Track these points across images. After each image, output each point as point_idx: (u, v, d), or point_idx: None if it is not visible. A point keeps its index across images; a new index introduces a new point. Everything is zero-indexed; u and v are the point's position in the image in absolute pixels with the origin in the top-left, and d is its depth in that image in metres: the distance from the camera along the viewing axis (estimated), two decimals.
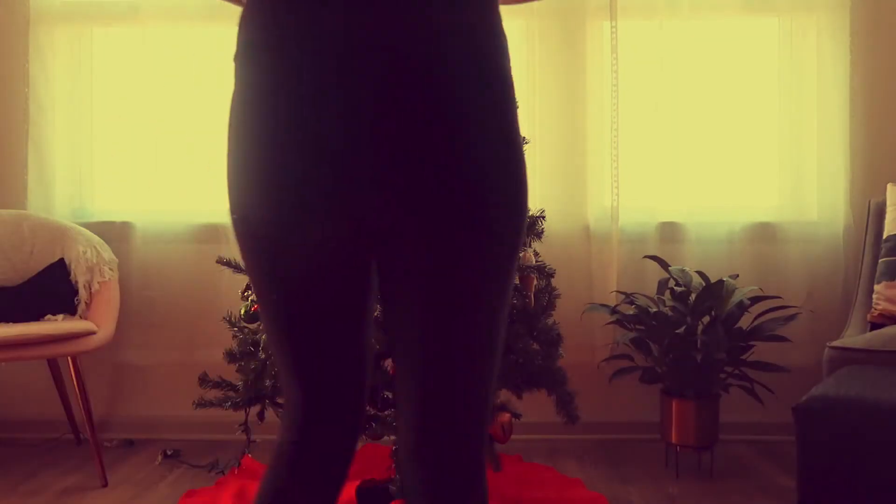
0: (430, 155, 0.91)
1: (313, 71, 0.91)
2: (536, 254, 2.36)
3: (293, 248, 0.98)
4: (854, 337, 2.33)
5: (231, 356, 2.35)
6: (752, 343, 2.63)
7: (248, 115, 0.96)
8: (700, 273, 2.65)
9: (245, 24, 0.99)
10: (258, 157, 0.94)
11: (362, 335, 1.12)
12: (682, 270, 2.73)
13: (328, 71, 0.91)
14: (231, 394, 2.32)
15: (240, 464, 2.59)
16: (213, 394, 2.36)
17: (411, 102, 0.90)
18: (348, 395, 1.14)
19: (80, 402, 2.63)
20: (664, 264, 2.77)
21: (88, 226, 3.02)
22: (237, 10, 1.03)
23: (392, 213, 0.95)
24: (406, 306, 1.03)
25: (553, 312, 2.35)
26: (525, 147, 2.39)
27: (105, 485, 2.56)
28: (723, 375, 2.65)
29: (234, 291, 2.57)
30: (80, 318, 2.76)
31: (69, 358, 2.60)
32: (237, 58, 0.99)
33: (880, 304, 2.50)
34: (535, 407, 2.47)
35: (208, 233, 3.08)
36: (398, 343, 1.07)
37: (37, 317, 2.72)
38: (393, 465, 2.31)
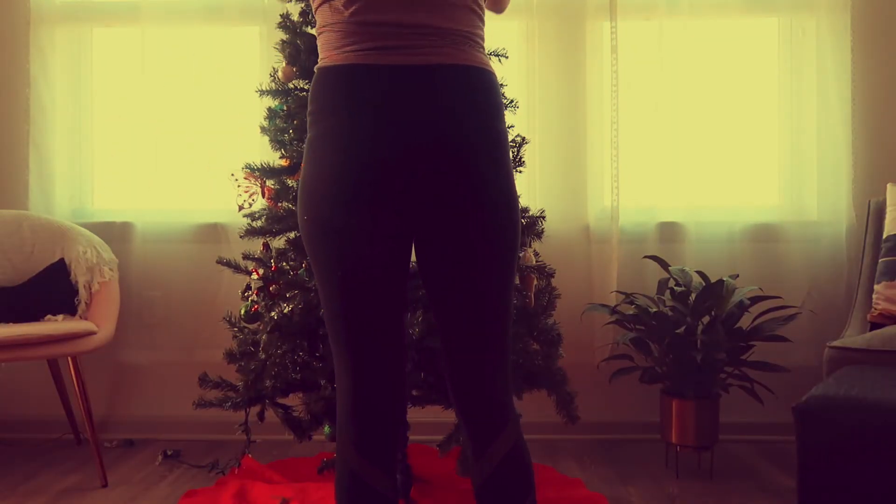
0: (447, 174, 1.37)
1: (360, 126, 1.36)
2: (536, 254, 2.36)
3: (354, 233, 1.38)
4: (854, 337, 2.33)
5: (231, 356, 2.35)
6: (752, 343, 2.63)
7: (319, 152, 1.39)
8: (700, 273, 2.65)
9: (313, 97, 1.43)
10: (328, 176, 1.38)
11: (402, 312, 1.49)
12: (682, 270, 2.73)
13: (369, 125, 1.36)
14: (231, 394, 2.32)
15: (240, 464, 2.59)
16: (213, 394, 2.36)
17: (433, 149, 1.36)
18: (392, 363, 1.47)
19: (80, 402, 2.63)
20: (664, 264, 2.77)
21: (88, 226, 3.03)
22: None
23: (422, 207, 1.39)
24: (438, 269, 1.45)
25: (553, 312, 2.35)
26: (525, 147, 2.40)
27: (105, 485, 2.56)
28: (723, 375, 2.65)
29: (234, 291, 2.57)
30: (81, 318, 2.76)
31: (69, 358, 2.60)
32: (310, 115, 1.43)
33: (880, 304, 2.50)
34: (535, 407, 2.47)
35: (208, 233, 3.08)
36: (435, 300, 1.47)
37: (37, 317, 2.72)
38: None
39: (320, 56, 1.45)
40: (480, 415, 1.47)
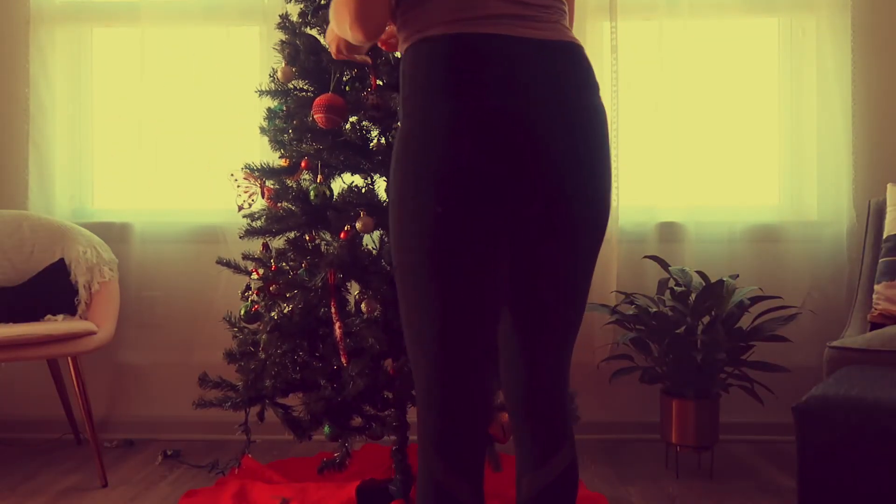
0: (544, 172, 1.27)
1: (483, 106, 1.23)
2: None
3: (464, 221, 1.25)
4: (854, 337, 2.33)
5: (231, 356, 2.35)
6: (752, 343, 2.63)
7: (424, 141, 1.26)
8: (700, 273, 2.65)
9: (414, 74, 1.27)
10: (469, 159, 1.24)
11: (496, 319, 1.35)
12: (682, 270, 2.73)
13: (493, 104, 1.23)
14: (231, 394, 2.32)
15: (240, 464, 2.59)
16: (213, 394, 2.36)
17: (549, 128, 1.26)
18: (483, 367, 1.34)
19: (80, 402, 2.62)
20: (664, 264, 2.77)
21: (88, 226, 3.02)
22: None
23: (524, 206, 1.28)
24: (527, 262, 1.34)
25: None
26: None
27: (105, 485, 2.56)
28: (723, 375, 2.65)
29: (234, 291, 2.57)
30: (80, 318, 2.76)
31: (69, 358, 2.60)
32: (409, 98, 1.28)
33: (880, 304, 2.50)
34: None
35: (208, 233, 3.08)
36: (516, 294, 1.36)
37: (37, 317, 2.72)
38: (393, 465, 2.31)
39: (415, 29, 1.28)
40: (548, 422, 1.41)
